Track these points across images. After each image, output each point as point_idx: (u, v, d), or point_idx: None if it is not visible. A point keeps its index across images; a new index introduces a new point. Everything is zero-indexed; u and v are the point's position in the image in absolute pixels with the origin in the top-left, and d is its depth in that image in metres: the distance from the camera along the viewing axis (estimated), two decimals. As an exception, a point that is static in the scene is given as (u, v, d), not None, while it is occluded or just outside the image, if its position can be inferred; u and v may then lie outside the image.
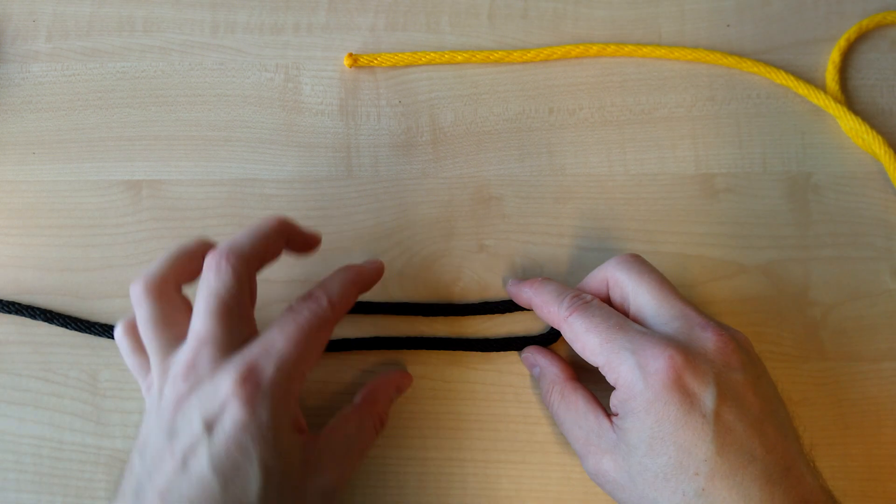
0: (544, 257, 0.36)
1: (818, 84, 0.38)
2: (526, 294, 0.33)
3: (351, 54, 0.38)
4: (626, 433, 0.28)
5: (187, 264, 0.30)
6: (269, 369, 0.26)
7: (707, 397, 0.26)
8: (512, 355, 0.35)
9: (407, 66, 0.39)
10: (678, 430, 0.26)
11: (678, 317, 0.29)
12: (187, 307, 0.30)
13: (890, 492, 0.34)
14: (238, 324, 0.28)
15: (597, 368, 0.29)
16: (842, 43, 0.38)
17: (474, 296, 0.36)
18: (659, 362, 0.27)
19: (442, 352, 0.35)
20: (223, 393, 0.26)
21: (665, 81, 0.39)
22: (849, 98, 0.39)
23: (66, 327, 0.35)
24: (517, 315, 0.36)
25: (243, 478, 0.25)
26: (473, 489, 0.34)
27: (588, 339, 0.29)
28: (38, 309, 0.36)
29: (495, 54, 0.39)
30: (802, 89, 0.38)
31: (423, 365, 0.35)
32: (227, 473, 0.25)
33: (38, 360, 0.36)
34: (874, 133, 0.36)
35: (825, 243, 0.36)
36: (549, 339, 0.35)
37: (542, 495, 0.34)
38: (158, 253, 0.36)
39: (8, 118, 0.39)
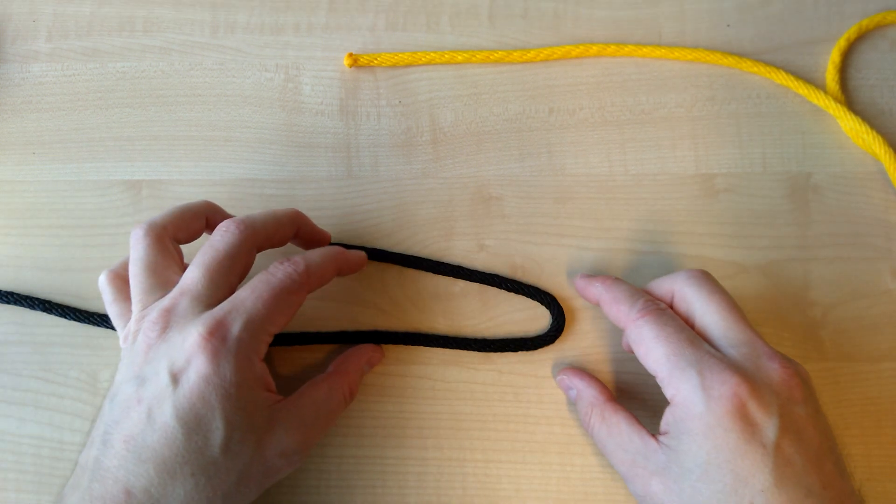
0: (544, 257, 0.36)
1: (818, 84, 0.38)
2: (596, 289, 0.33)
3: (351, 54, 0.38)
4: (679, 455, 0.27)
5: (190, 222, 0.31)
6: (235, 327, 0.27)
7: (769, 428, 0.26)
8: (511, 355, 0.35)
9: (407, 66, 0.39)
10: (736, 459, 0.26)
11: (745, 343, 0.29)
12: (179, 260, 0.31)
13: (890, 492, 0.34)
14: (224, 285, 0.29)
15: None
16: (842, 43, 0.38)
17: (474, 295, 0.36)
18: (725, 388, 0.27)
19: (441, 352, 0.35)
20: (189, 345, 0.27)
21: (665, 81, 0.39)
22: (849, 98, 0.39)
23: (65, 317, 0.35)
24: (516, 315, 0.36)
25: (206, 429, 0.26)
26: (473, 489, 0.34)
27: (655, 346, 0.29)
28: (36, 299, 0.36)
29: (495, 54, 0.39)
30: (802, 89, 0.38)
31: (422, 365, 0.35)
32: (190, 424, 0.26)
33: (38, 360, 0.36)
34: (874, 133, 0.36)
35: (825, 243, 0.36)
36: (548, 339, 0.35)
37: (541, 495, 0.34)
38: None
39: (8, 118, 0.39)
